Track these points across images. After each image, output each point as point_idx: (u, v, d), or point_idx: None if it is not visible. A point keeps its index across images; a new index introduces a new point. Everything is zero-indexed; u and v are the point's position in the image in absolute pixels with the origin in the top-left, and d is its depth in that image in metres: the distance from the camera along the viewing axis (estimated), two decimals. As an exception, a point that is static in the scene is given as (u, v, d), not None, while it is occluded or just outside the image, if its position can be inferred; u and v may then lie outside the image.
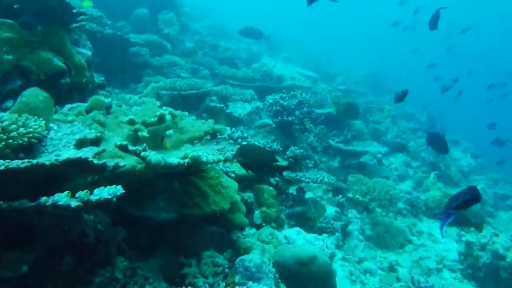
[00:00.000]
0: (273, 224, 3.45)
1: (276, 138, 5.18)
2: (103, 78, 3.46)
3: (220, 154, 2.23)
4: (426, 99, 18.68)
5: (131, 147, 1.93)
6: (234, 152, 2.32)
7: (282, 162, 3.55)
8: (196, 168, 2.47)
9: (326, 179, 3.78)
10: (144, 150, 1.92)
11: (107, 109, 3.74)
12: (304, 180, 3.66)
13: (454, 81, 7.30)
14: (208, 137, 2.65)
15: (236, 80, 7.46)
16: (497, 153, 13.11)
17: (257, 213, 3.44)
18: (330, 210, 4.65)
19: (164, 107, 2.81)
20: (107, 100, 3.69)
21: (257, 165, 2.31)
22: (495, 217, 7.46)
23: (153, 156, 1.86)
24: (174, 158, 1.95)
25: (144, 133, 2.38)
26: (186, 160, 1.96)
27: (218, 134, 2.75)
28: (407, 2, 17.87)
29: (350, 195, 4.87)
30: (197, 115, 5.35)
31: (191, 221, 2.60)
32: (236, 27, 19.26)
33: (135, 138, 2.54)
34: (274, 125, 5.28)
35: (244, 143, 3.96)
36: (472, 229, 3.96)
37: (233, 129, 4.10)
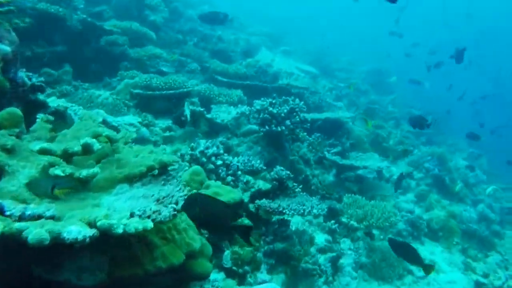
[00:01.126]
0: (246, 268, 2.82)
1: (262, 149, 4.52)
2: (42, 79, 2.77)
3: (155, 212, 1.56)
4: (429, 97, 17.97)
5: (8, 210, 1.27)
6: (179, 206, 1.67)
7: (245, 221, 2.89)
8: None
9: (315, 210, 3.12)
10: (22, 216, 1.26)
11: (60, 116, 3.08)
12: (287, 212, 3.01)
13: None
14: (156, 171, 1.99)
15: (226, 77, 6.76)
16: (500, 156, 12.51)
17: (227, 253, 2.80)
18: (320, 238, 4.02)
19: (101, 127, 2.14)
20: (55, 104, 3.03)
21: (212, 224, 1.67)
22: (502, 237, 6.84)
23: (33, 232, 1.21)
24: (74, 228, 1.29)
25: (58, 171, 1.71)
26: (91, 233, 1.31)
27: (173, 165, 2.09)
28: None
29: (344, 219, 4.23)
30: (173, 119, 4.67)
31: (127, 286, 1.96)
32: (238, 15, 18.38)
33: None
34: (261, 133, 4.62)
35: (219, 162, 3.31)
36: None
37: (208, 142, 3.43)
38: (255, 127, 4.80)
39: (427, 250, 5.36)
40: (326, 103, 7.83)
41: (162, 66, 6.05)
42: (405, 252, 3.14)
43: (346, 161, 5.00)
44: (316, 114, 6.86)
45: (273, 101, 4.42)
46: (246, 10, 21.11)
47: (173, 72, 5.99)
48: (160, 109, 4.72)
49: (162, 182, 1.96)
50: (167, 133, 4.37)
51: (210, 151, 3.29)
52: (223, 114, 4.81)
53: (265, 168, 3.71)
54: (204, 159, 3.25)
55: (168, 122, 4.53)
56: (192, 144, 3.36)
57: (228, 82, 6.44)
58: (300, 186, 3.74)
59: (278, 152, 4.59)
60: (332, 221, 4.15)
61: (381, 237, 4.91)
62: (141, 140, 4.15)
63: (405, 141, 8.96)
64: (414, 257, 3.08)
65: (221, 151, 3.36)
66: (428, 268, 3.23)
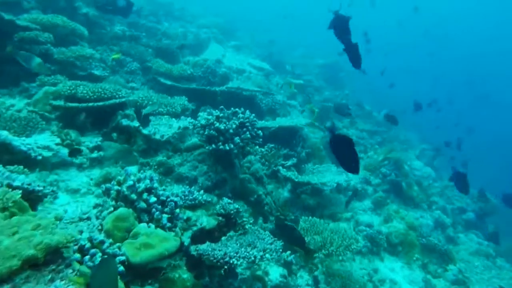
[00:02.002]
0: None
1: (209, 169, 3.96)
2: None
3: None
4: (383, 94, 18.15)
5: None
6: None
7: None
8: None
9: (268, 255, 2.63)
10: None
11: None
12: (235, 262, 2.49)
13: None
14: (41, 258, 1.39)
15: (170, 79, 6.10)
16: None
17: None
18: (275, 273, 3.56)
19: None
20: None
21: None
22: (456, 243, 6.78)
23: None
24: None
25: None
26: None
27: (68, 246, 1.50)
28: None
29: (301, 248, 3.79)
30: (103, 135, 3.99)
31: None
32: (191, 4, 17.48)
33: None
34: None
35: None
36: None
37: (140, 173, 2.82)
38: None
39: (387, 266, 5.08)
40: (279, 104, 7.36)
41: (95, 68, 5.28)
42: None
43: (302, 178, 4.55)
44: (269, 120, 6.39)
45: (220, 115, 3.86)
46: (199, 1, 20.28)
47: (107, 76, 5.24)
48: (88, 124, 4.01)
49: (49, 276, 1.37)
50: (95, 154, 3.69)
51: (141, 185, 2.69)
52: (163, 128, 4.19)
53: (209, 200, 3.17)
54: (134, 196, 2.65)
55: (97, 140, 3.84)
56: (119, 177, 2.74)
57: (172, 86, 5.79)
58: (251, 222, 3.23)
59: (227, 171, 4.05)
60: (288, 252, 3.69)
61: (340, 258, 4.55)
62: (61, 165, 3.46)
63: (360, 142, 8.76)
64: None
65: (155, 184, 2.77)
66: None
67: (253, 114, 4.03)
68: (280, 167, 4.74)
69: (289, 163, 5.05)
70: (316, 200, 5.03)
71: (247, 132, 3.86)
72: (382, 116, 13.43)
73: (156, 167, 3.88)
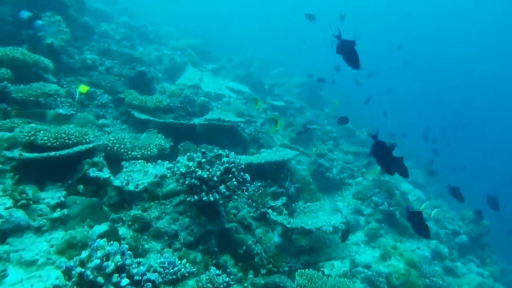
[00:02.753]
0: None
1: (192, 221, 3.50)
2: None
3: None
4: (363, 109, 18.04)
5: None
6: None
7: None
8: None
9: None
10: None
11: None
12: None
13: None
14: None
15: (145, 112, 5.63)
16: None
17: None
18: None
19: None
20: None
21: None
22: (456, 274, 6.45)
23: None
24: None
25: None
26: None
27: None
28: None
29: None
30: (68, 188, 3.47)
31: None
32: (164, 25, 17.02)
33: None
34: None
35: None
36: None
37: (109, 246, 2.33)
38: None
39: (390, 315, 4.67)
40: (262, 133, 6.96)
41: (60, 105, 4.77)
42: None
43: (295, 222, 4.12)
44: (253, 152, 5.98)
45: (202, 160, 3.41)
46: (172, 20, 19.91)
47: (72, 114, 4.72)
48: (49, 176, 3.48)
49: None
50: (58, 213, 3.16)
51: (110, 264, 2.21)
52: (138, 175, 3.70)
53: (194, 270, 2.69)
54: (101, 280, 2.16)
55: (60, 195, 3.32)
56: (83, 254, 2.24)
57: (147, 120, 5.31)
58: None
59: (212, 222, 3.59)
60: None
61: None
62: (14, 231, 2.92)
63: (347, 167, 8.43)
64: None
65: (128, 261, 2.29)
66: None
67: (239, 158, 3.60)
68: (270, 211, 4.30)
69: (279, 203, 4.62)
70: (308, 240, 4.60)
71: (233, 179, 3.42)
72: (365, 134, 13.25)
73: (130, 223, 3.38)
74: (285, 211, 4.70)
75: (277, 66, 19.33)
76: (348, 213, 6.56)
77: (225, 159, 3.51)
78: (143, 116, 5.38)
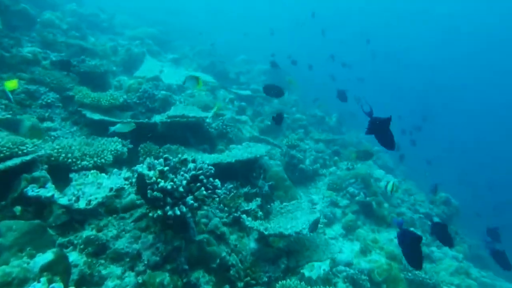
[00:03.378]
0: None
1: (156, 238, 3.03)
2: None
3: None
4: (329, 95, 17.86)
5: None
6: None
7: None
8: None
9: None
10: None
11: None
12: None
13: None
14: None
15: (99, 111, 5.03)
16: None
17: None
18: None
19: None
20: None
21: None
22: (432, 259, 6.34)
23: None
24: None
25: None
26: None
27: None
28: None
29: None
30: (1, 211, 2.90)
31: None
32: (120, 13, 15.99)
33: None
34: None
35: None
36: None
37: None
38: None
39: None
40: (230, 125, 6.49)
41: (-6, 108, 4.10)
42: None
43: (272, 228, 3.73)
44: (222, 148, 5.53)
45: (165, 168, 2.93)
46: (127, 8, 18.82)
47: (8, 118, 4.08)
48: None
49: None
50: (-10, 242, 2.61)
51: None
52: (90, 188, 3.18)
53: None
54: None
55: (-7, 220, 2.76)
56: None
57: (101, 121, 4.73)
58: None
59: (180, 236, 3.14)
60: None
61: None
62: None
63: (319, 156, 8.14)
64: None
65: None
66: None
67: (206, 163, 3.15)
68: (244, 216, 3.88)
69: (253, 205, 4.21)
70: (287, 242, 4.25)
71: (202, 188, 2.98)
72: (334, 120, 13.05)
73: (82, 246, 2.87)
74: (261, 213, 4.31)
75: (240, 53, 18.77)
76: (324, 206, 6.28)
77: (191, 165, 3.05)
78: (97, 116, 4.79)
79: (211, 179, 3.15)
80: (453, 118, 31.87)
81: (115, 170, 3.44)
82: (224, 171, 4.68)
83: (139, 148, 4.57)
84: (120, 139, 4.22)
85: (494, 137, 29.98)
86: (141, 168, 3.01)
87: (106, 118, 4.81)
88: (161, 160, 3.08)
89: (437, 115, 27.30)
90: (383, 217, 6.18)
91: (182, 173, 3.04)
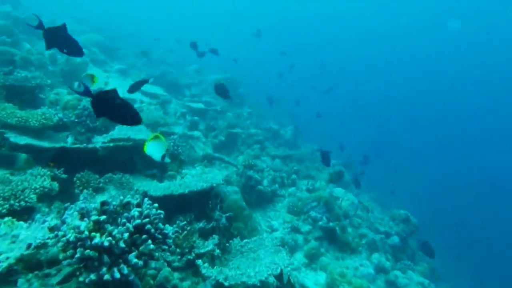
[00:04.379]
0: None
1: (90, 304, 2.42)
2: None
3: None
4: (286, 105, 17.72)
5: None
6: None
7: None
8: None
9: None
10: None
11: None
12: None
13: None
14: None
15: (27, 133, 4.29)
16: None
17: None
18: None
19: None
20: None
21: None
22: (399, 286, 6.11)
23: None
24: None
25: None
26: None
27: None
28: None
29: None
30: None
31: None
32: (62, 17, 14.80)
33: None
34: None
35: None
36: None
37: None
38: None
39: None
40: (182, 146, 5.92)
41: None
42: None
43: (233, 277, 3.22)
44: (174, 177, 4.95)
45: (101, 218, 2.35)
46: (71, 12, 17.63)
47: None
48: None
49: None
50: None
51: None
52: (1, 244, 2.51)
53: None
54: None
55: None
56: None
57: (28, 146, 3.99)
58: None
59: (121, 297, 2.55)
60: None
61: None
62: None
63: (277, 175, 7.75)
64: None
65: None
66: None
67: (155, 206, 2.60)
68: (200, 262, 3.33)
69: (210, 245, 3.68)
70: None
71: (149, 241, 2.42)
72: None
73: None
74: (218, 251, 3.78)
75: (192, 63, 18.15)
76: (285, 233, 5.87)
77: (135, 212, 2.48)
78: (23, 140, 4.05)
79: (160, 224, 2.61)
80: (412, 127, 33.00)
81: (38, 215, 2.77)
82: (176, 204, 4.13)
83: (75, 179, 3.90)
84: (49, 171, 3.53)
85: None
86: (71, 217, 2.40)
87: (35, 142, 4.08)
88: (97, 204, 2.49)
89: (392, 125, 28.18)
90: (348, 243, 5.88)
91: (124, 219, 2.47)
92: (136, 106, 8.03)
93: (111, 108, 2.44)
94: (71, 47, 2.74)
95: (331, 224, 5.91)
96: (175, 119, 8.76)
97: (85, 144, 4.21)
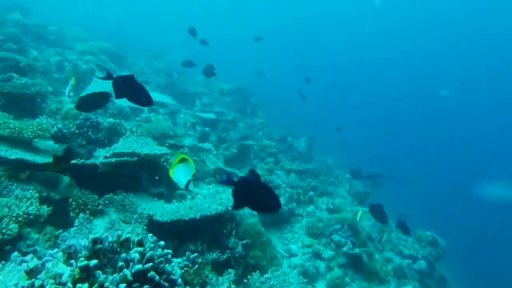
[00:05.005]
0: None
1: None
2: None
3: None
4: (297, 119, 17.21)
5: None
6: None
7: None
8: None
9: None
10: None
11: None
12: None
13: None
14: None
15: (20, 146, 3.80)
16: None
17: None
18: None
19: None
20: None
21: None
22: None
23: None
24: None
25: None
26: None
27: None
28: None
29: None
30: None
31: None
32: (70, 26, 14.49)
33: None
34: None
35: None
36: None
37: None
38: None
39: None
40: (193, 160, 5.40)
41: None
42: None
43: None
44: (184, 197, 4.42)
45: (91, 264, 1.82)
46: (80, 21, 17.38)
47: None
48: None
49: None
50: None
51: None
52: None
53: None
54: None
55: None
56: None
57: (19, 162, 3.50)
58: None
59: None
60: None
61: None
62: None
63: (294, 192, 7.18)
64: None
65: None
66: None
67: (161, 245, 2.07)
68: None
69: (225, 283, 3.12)
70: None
71: (152, 292, 1.88)
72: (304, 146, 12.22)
73: None
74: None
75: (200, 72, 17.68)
76: (306, 259, 5.28)
77: (135, 254, 1.95)
78: (14, 155, 3.56)
79: (167, 266, 2.07)
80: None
81: (15, 254, 2.23)
82: (186, 228, 3.60)
83: (71, 200, 3.39)
84: (37, 192, 3.02)
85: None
86: (53, 260, 1.88)
87: (28, 157, 3.59)
88: (88, 242, 1.97)
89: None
90: (376, 272, 5.27)
91: (121, 263, 1.93)
92: (143, 116, 7.56)
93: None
94: (140, 96, 2.81)
95: (357, 250, 5.32)
96: (184, 130, 8.26)
97: (82, 160, 3.69)
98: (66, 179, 3.05)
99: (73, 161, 3.52)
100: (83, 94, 7.53)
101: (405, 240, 8.20)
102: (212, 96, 13.80)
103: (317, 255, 5.38)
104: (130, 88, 2.77)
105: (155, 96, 9.31)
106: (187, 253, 3.21)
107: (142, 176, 4.50)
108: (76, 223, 3.05)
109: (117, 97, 2.80)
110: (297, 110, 17.34)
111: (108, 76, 2.78)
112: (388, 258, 6.59)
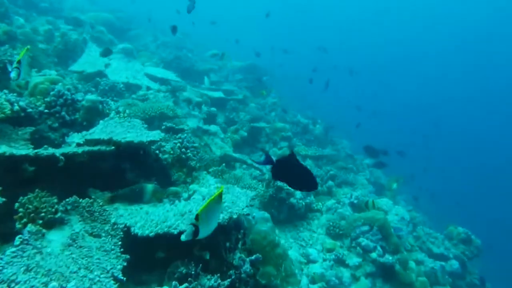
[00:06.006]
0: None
1: None
2: None
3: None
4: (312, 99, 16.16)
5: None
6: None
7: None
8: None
9: None
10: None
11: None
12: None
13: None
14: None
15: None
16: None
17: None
18: None
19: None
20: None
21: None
22: None
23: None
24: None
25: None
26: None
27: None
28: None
29: None
30: None
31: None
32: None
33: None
34: None
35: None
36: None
37: None
38: None
39: None
40: (192, 148, 4.45)
41: None
42: None
43: None
44: (178, 195, 3.50)
45: None
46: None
47: None
48: None
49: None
50: None
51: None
52: None
53: None
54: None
55: None
56: None
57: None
58: None
59: None
60: None
61: None
62: None
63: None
64: None
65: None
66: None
67: None
68: None
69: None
70: None
71: None
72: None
73: None
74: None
75: (212, 47, 16.56)
76: (327, 267, 4.38)
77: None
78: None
79: None
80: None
81: None
82: (176, 243, 2.69)
83: (17, 205, 2.48)
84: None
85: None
86: None
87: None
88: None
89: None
90: (410, 284, 4.35)
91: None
92: (140, 93, 6.63)
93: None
94: (303, 179, 2.26)
95: (388, 257, 4.40)
96: (188, 110, 7.32)
97: (35, 152, 2.75)
98: (149, 187, 2.65)
99: (17, 153, 2.61)
100: (73, 67, 6.63)
101: (435, 237, 7.25)
102: (221, 73, 12.78)
103: (340, 262, 4.48)
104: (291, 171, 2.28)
105: (157, 71, 8.37)
106: (173, 283, 2.30)
107: (128, 168, 3.60)
108: (17, 241, 2.16)
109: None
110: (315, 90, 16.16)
111: (268, 162, 2.28)
112: (419, 260, 5.68)
